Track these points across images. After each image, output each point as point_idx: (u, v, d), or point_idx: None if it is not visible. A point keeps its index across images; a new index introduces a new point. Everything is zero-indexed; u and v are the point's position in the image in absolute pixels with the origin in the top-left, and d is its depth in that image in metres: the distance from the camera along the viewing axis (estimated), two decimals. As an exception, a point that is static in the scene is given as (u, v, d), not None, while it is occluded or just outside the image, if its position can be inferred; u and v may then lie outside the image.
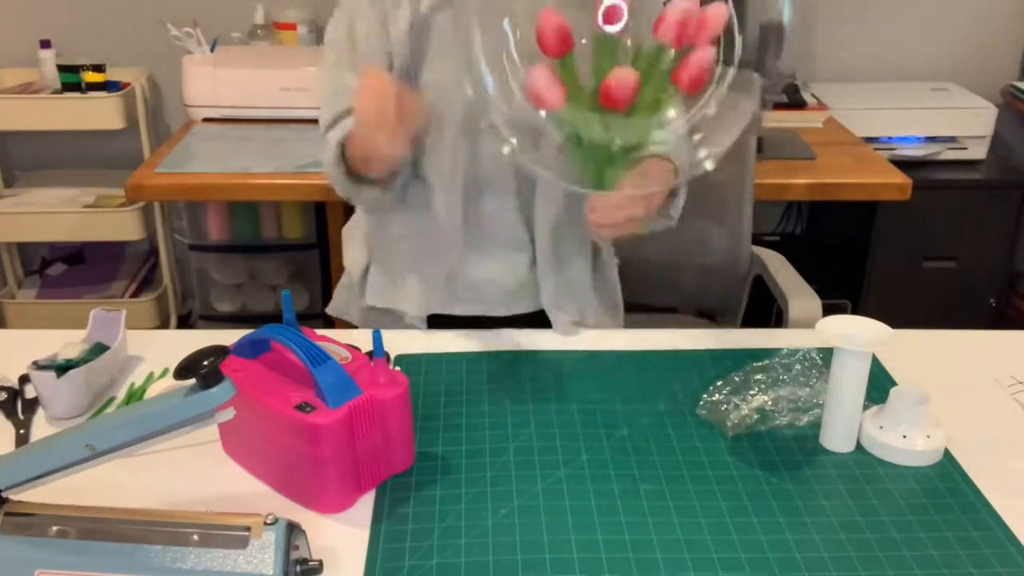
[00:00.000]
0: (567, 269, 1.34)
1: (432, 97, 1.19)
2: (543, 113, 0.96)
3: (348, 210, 1.47)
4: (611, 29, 0.95)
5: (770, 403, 1.11)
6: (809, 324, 1.25)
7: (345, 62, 1.24)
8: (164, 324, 2.69)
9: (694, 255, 1.80)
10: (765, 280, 1.75)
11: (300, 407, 0.92)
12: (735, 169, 1.73)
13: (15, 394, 1.15)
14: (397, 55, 1.21)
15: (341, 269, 1.49)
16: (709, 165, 0.97)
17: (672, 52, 0.96)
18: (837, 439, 1.05)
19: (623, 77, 0.93)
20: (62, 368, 1.09)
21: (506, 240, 1.30)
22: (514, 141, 0.98)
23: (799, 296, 1.62)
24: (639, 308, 2.00)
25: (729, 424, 1.08)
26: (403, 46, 1.20)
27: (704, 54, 0.95)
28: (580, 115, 0.96)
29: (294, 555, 0.81)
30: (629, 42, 0.97)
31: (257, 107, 2.32)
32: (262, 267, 2.64)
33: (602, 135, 0.96)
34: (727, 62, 0.95)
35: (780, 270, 1.72)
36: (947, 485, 1.01)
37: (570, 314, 1.34)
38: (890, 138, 2.42)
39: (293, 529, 0.82)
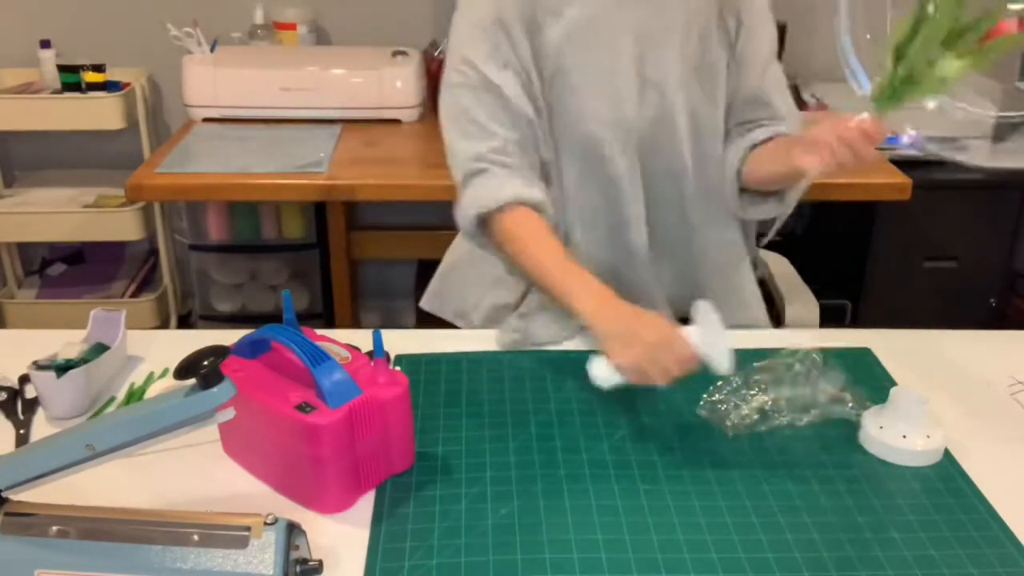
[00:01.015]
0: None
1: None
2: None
3: (349, 210, 1.47)
4: None
5: (770, 403, 1.11)
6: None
7: (482, 98, 1.19)
8: (164, 324, 2.69)
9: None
10: (767, 283, 1.75)
11: (300, 407, 0.92)
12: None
13: (15, 394, 1.15)
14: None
15: (341, 269, 1.49)
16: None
17: None
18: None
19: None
20: (62, 368, 1.09)
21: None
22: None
23: (796, 301, 1.62)
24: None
25: (729, 424, 1.08)
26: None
27: None
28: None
29: (294, 555, 0.81)
30: None
31: (257, 107, 2.32)
32: (262, 267, 2.64)
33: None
34: None
35: (781, 273, 1.72)
36: (947, 485, 1.01)
37: None
38: (890, 138, 2.41)
39: (293, 529, 0.82)
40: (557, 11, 1.18)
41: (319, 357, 0.93)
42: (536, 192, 1.18)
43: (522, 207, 1.16)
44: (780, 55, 2.39)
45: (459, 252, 1.42)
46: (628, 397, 1.15)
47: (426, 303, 1.45)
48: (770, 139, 1.24)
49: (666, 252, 1.31)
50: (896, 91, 1.02)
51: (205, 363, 0.79)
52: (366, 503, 0.97)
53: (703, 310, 1.03)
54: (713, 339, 1.02)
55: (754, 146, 1.25)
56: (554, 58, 1.19)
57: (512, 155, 1.19)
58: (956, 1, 0.97)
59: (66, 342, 1.17)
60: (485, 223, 1.19)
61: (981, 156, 2.22)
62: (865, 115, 1.05)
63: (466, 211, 1.18)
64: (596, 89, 1.20)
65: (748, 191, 1.29)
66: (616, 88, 1.20)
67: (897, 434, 1.04)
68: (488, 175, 1.17)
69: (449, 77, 1.21)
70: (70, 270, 2.78)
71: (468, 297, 1.38)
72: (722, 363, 1.02)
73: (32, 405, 1.13)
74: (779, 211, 1.28)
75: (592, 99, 1.20)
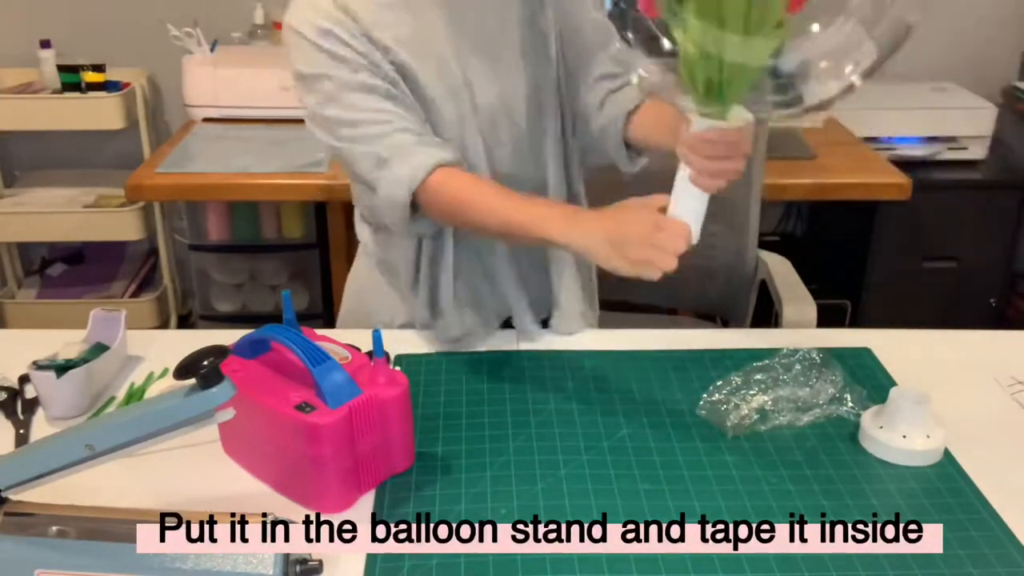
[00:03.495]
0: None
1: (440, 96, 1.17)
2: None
3: (348, 210, 1.46)
4: None
5: (770, 403, 1.11)
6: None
7: (356, 83, 1.13)
8: (164, 324, 2.69)
9: (697, 256, 1.80)
10: (767, 284, 1.75)
11: (300, 407, 0.92)
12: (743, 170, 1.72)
13: (15, 394, 1.15)
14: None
15: (341, 269, 1.49)
16: (857, 81, 0.90)
17: None
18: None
19: None
20: (62, 368, 1.09)
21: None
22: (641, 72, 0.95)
23: (794, 301, 1.62)
24: (638, 308, 2.00)
25: (729, 424, 1.08)
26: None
27: None
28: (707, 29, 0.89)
29: (294, 555, 0.81)
30: None
31: (257, 107, 2.32)
32: (262, 267, 2.64)
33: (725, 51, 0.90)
34: None
35: (781, 274, 1.71)
36: (947, 485, 1.01)
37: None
38: (890, 138, 2.41)
39: (293, 529, 0.82)
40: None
41: (319, 357, 0.93)
42: (450, 152, 1.15)
43: (445, 168, 1.13)
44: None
45: (362, 278, 1.39)
46: (628, 396, 1.15)
47: (341, 325, 1.43)
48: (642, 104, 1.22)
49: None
50: (712, 91, 0.93)
51: (205, 363, 0.79)
52: (366, 503, 0.97)
53: (680, 179, 0.99)
54: (692, 205, 0.99)
55: (630, 113, 1.23)
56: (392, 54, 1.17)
57: (406, 120, 1.15)
58: None
59: (66, 342, 1.17)
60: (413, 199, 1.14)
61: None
62: (699, 124, 0.96)
63: (394, 193, 1.12)
64: (433, 88, 1.18)
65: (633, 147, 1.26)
66: (450, 86, 1.18)
67: (897, 434, 1.04)
68: (400, 150, 1.13)
69: (308, 100, 1.17)
70: (70, 270, 2.78)
71: (380, 316, 1.35)
72: (696, 233, 1.00)
73: (32, 405, 1.13)
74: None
75: (431, 91, 1.18)
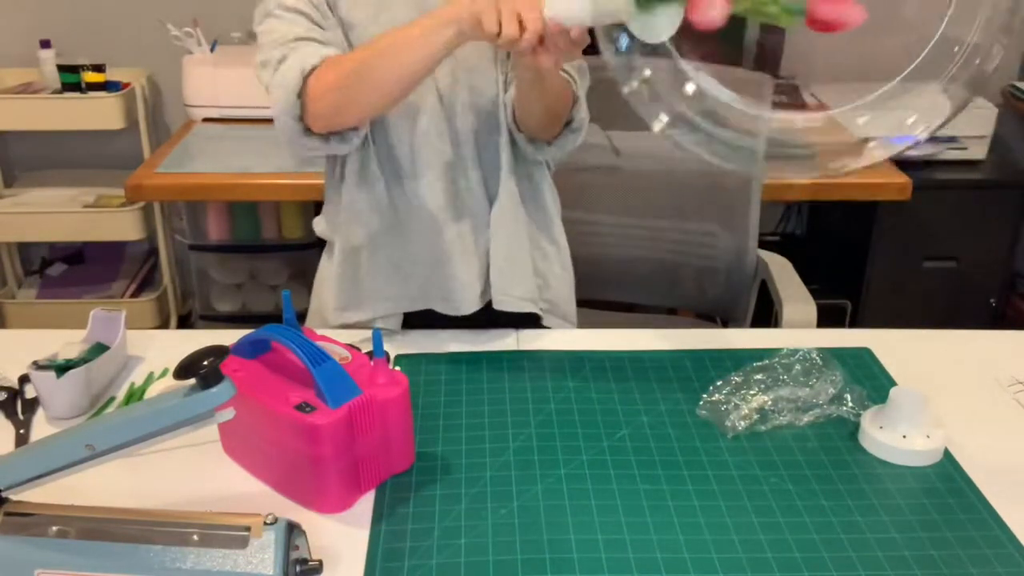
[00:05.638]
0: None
1: None
2: None
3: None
4: None
5: (770, 403, 1.11)
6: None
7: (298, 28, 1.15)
8: (164, 324, 2.69)
9: (697, 256, 1.80)
10: (767, 284, 1.75)
11: (300, 407, 0.92)
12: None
13: (15, 394, 1.15)
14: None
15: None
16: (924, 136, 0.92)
17: None
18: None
19: None
20: (62, 368, 1.09)
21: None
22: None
23: (794, 302, 1.62)
24: (638, 308, 2.00)
25: (729, 424, 1.08)
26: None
27: None
28: None
29: (294, 555, 0.81)
30: None
31: (257, 107, 2.31)
32: (262, 267, 2.64)
33: None
34: None
35: (781, 275, 1.72)
36: (947, 485, 1.01)
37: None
38: (890, 138, 2.41)
39: (293, 529, 0.82)
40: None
41: (319, 357, 0.93)
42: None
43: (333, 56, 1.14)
44: (780, 56, 2.40)
45: (323, 273, 1.39)
46: (628, 396, 1.15)
47: (310, 323, 1.43)
48: None
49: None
50: None
51: (205, 363, 0.79)
52: (366, 503, 0.97)
53: None
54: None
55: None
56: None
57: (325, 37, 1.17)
58: None
59: (66, 342, 1.17)
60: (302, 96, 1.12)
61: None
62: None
63: (288, 79, 1.11)
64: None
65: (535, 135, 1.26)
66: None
67: (897, 434, 1.04)
68: (297, 50, 1.13)
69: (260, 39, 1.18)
70: (70, 270, 2.78)
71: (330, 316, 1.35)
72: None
73: (32, 405, 1.13)
74: (574, 141, 1.25)
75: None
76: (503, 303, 1.29)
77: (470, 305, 1.29)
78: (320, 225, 1.36)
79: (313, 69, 1.11)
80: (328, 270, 1.36)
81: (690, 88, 0.93)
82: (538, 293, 1.34)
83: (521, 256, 1.31)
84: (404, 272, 1.28)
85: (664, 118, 0.91)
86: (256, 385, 0.96)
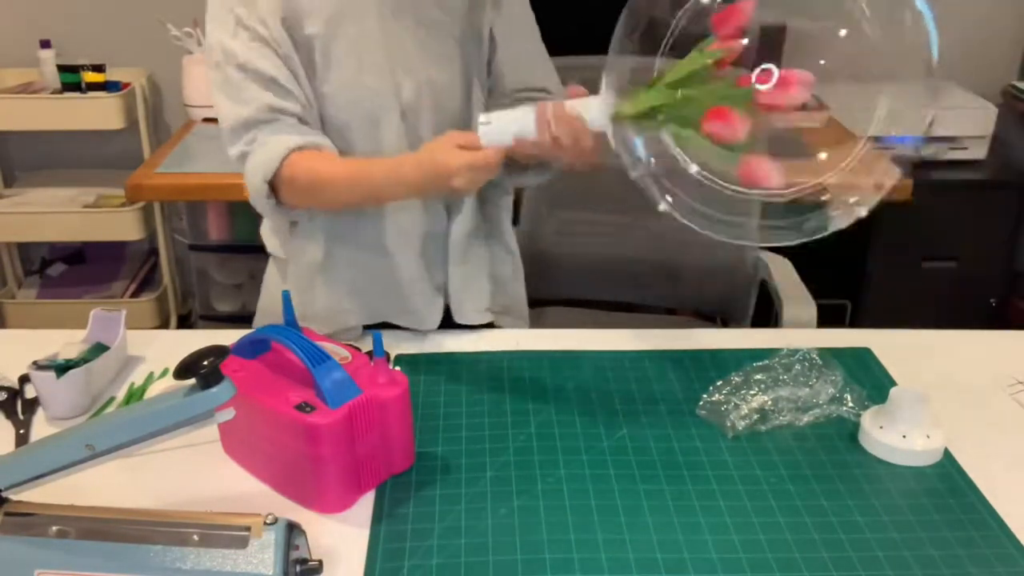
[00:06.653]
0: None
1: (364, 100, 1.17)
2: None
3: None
4: (764, 87, 1.00)
5: (770, 403, 1.11)
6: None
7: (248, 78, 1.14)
8: (164, 324, 2.69)
9: (696, 256, 1.80)
10: (767, 284, 1.75)
11: (300, 407, 0.92)
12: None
13: (15, 394, 1.15)
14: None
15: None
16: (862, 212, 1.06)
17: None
18: None
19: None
20: (62, 368, 1.09)
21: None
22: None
23: (794, 301, 1.62)
24: (638, 308, 2.00)
25: (729, 424, 1.08)
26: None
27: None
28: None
29: (294, 555, 0.81)
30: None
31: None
32: (262, 267, 2.63)
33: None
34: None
35: (781, 274, 1.72)
36: (947, 485, 1.01)
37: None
38: (890, 138, 2.41)
39: (293, 529, 0.82)
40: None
41: (319, 357, 0.93)
42: (322, 138, 1.16)
43: (296, 152, 1.13)
44: (780, 56, 2.40)
45: (266, 301, 1.39)
46: (628, 396, 1.15)
47: (258, 323, 1.42)
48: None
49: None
50: (642, 101, 0.98)
51: (205, 363, 0.79)
52: (366, 503, 0.97)
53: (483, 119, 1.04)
54: (503, 126, 1.03)
55: None
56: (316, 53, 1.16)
57: (296, 111, 1.16)
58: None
59: (66, 342, 1.17)
60: (275, 178, 1.14)
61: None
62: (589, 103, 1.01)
63: (253, 182, 1.15)
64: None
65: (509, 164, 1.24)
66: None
67: (897, 434, 1.04)
68: (262, 133, 1.14)
69: (214, 76, 1.17)
70: (70, 270, 2.78)
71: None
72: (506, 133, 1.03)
73: (32, 405, 1.13)
74: (540, 178, 1.25)
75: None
76: (463, 317, 1.31)
77: (433, 321, 1.30)
78: (271, 241, 1.35)
79: (276, 172, 1.13)
80: (277, 282, 1.36)
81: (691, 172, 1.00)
82: (491, 300, 1.35)
83: (479, 272, 1.33)
84: (361, 290, 1.28)
85: (668, 199, 0.98)
86: (256, 385, 0.96)
